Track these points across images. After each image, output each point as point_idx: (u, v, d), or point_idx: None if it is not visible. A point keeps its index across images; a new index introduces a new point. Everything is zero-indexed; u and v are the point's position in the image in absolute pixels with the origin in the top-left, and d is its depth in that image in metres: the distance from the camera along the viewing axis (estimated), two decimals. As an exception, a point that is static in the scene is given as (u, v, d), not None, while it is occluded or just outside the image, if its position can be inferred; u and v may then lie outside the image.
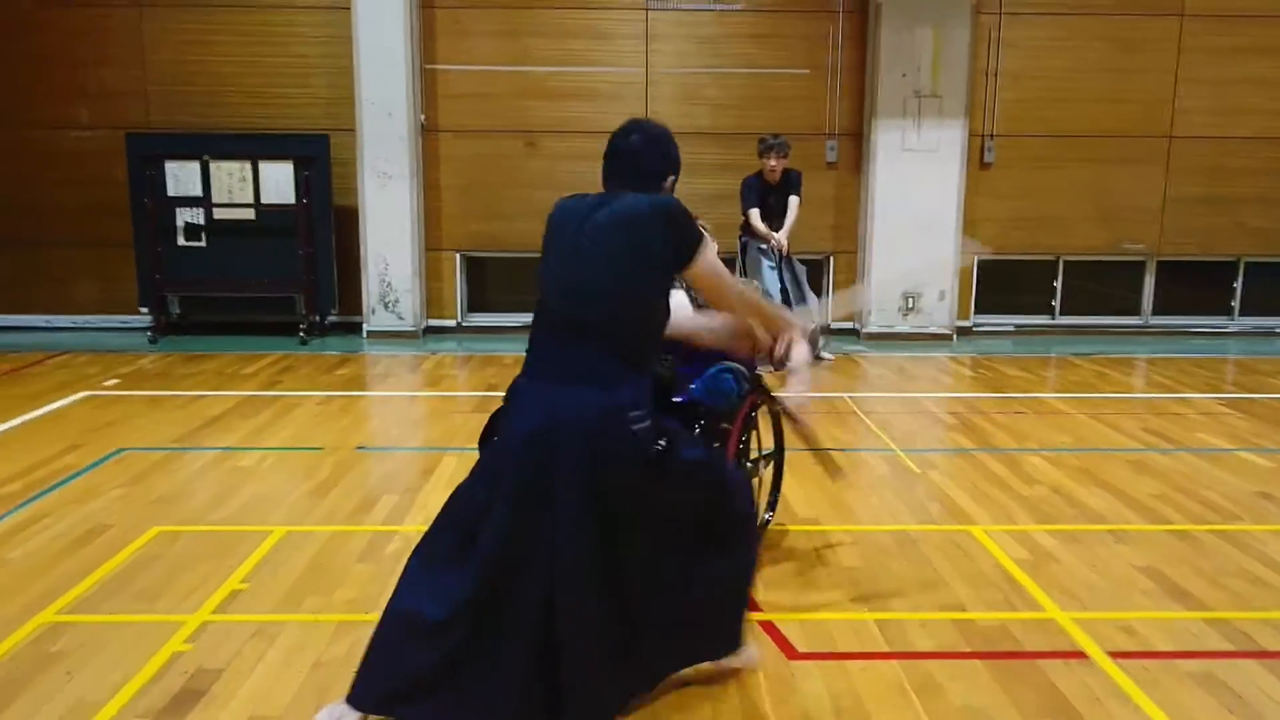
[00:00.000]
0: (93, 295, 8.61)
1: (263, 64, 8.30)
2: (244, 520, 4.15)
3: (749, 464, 3.72)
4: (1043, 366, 7.61)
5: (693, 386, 3.33)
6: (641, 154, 2.60)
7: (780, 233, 7.11)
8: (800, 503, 4.41)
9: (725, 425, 3.42)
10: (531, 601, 2.32)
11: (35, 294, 8.61)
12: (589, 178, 8.59)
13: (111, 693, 2.78)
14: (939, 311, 8.45)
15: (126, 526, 4.04)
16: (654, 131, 2.66)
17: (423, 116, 8.30)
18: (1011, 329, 8.85)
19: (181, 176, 8.12)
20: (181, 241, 8.20)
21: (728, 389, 3.37)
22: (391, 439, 5.76)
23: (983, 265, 8.73)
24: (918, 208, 8.18)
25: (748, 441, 3.72)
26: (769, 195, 7.04)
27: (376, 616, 2.54)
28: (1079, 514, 4.32)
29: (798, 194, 7.10)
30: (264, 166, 8.11)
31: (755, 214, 7.16)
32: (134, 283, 8.34)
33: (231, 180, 8.13)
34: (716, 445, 3.47)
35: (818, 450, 3.78)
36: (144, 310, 8.39)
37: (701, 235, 2.51)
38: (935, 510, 4.35)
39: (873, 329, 8.45)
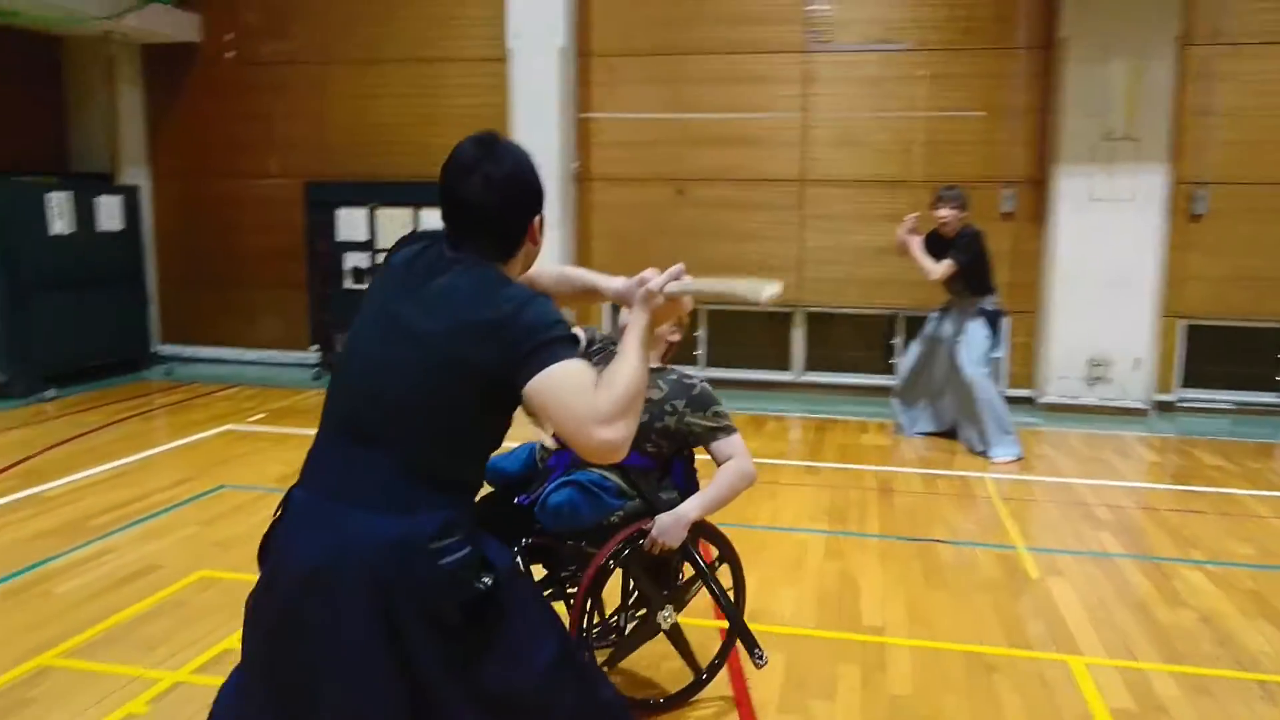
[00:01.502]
0: (275, 332, 9.15)
1: (428, 115, 8.56)
2: (283, 572, 4.09)
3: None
4: (1256, 456, 6.40)
5: (547, 491, 2.60)
6: (488, 209, 1.89)
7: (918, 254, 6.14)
8: (872, 603, 3.82)
9: (588, 547, 2.63)
10: None
11: (228, 328, 9.27)
12: (739, 226, 8.22)
13: (47, 753, 2.72)
14: (1133, 383, 7.37)
15: (176, 568, 4.09)
16: (502, 170, 1.89)
17: (575, 165, 8.26)
18: (1230, 406, 7.58)
19: (350, 223, 8.51)
20: (348, 284, 8.58)
21: (561, 507, 2.53)
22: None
23: (1193, 330, 7.56)
24: (1107, 263, 7.20)
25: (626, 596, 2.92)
26: (942, 253, 6.13)
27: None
28: (1225, 655, 3.46)
29: (955, 257, 6.05)
30: (424, 214, 8.35)
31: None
32: (307, 322, 8.83)
33: (395, 226, 8.41)
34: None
35: (738, 629, 2.92)
36: (314, 348, 8.83)
37: (545, 348, 1.75)
38: (1035, 631, 3.63)
39: (1051, 399, 7.50)
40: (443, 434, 1.80)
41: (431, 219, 8.28)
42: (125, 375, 8.52)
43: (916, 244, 6.23)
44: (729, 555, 2.92)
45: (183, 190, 9.21)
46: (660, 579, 2.80)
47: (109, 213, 8.43)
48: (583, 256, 8.43)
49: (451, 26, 8.46)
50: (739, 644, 2.95)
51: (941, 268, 6.10)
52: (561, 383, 1.73)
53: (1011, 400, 7.35)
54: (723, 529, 4.57)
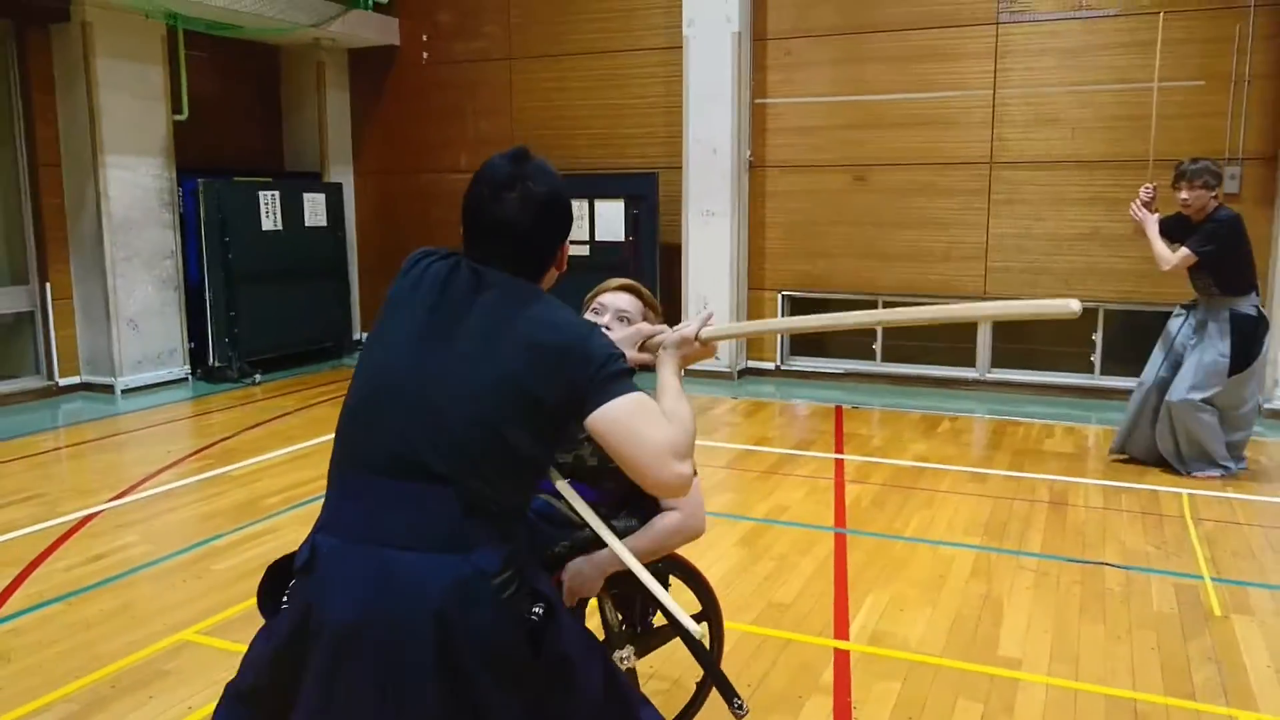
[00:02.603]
0: (462, 321, 9.54)
1: (606, 106, 8.64)
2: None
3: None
4: None
5: None
6: (525, 227, 1.80)
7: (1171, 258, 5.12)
8: (1014, 632, 3.47)
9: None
10: None
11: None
12: (922, 213, 7.79)
13: (165, 724, 2.92)
14: (1384, 388, 6.37)
15: (322, 551, 4.30)
16: (541, 188, 1.81)
17: (749, 153, 8.07)
18: None
19: (529, 215, 8.71)
20: (528, 275, 8.80)
21: None
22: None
23: None
24: (1354, 251, 6.26)
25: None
26: (1187, 239, 5.15)
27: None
28: None
29: (1196, 246, 5.05)
30: (599, 205, 8.43)
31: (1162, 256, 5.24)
32: (490, 312, 9.14)
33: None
34: None
35: (713, 676, 2.50)
36: (496, 337, 9.13)
37: (615, 379, 1.72)
38: (1204, 677, 3.17)
39: (1278, 404, 6.61)
40: (498, 465, 1.70)
41: (608, 210, 8.36)
42: (326, 362, 9.14)
43: (1153, 224, 5.25)
44: (705, 600, 2.62)
45: (381, 186, 9.78)
46: (624, 616, 2.51)
47: (314, 209, 9.05)
48: (755, 247, 8.25)
49: (630, 17, 8.48)
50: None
51: (1176, 257, 5.11)
52: (636, 414, 1.70)
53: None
54: (865, 539, 4.36)
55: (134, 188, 7.71)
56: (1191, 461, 5.30)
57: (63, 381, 7.70)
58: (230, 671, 3.19)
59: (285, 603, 1.75)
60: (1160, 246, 5.23)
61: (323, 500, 1.78)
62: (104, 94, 7.46)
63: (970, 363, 7.72)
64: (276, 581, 1.79)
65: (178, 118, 8.06)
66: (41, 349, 7.65)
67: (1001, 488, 5.20)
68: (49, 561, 4.20)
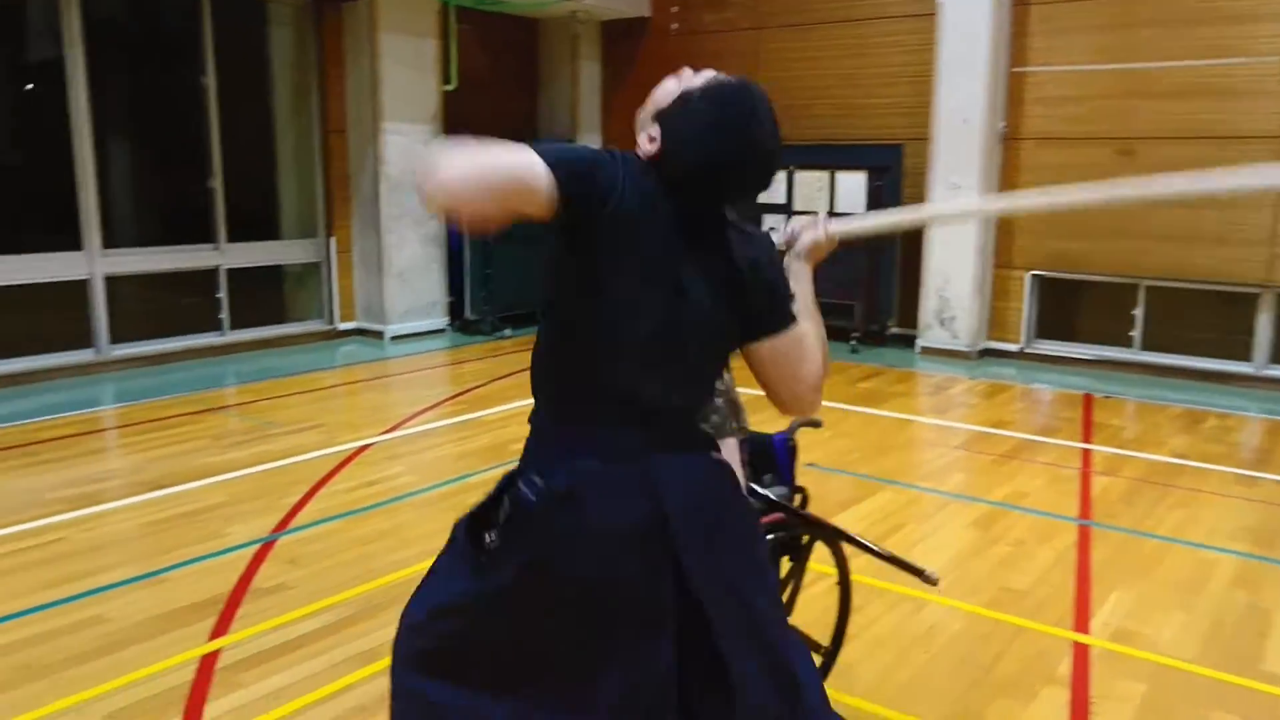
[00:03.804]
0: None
1: (853, 75, 8.48)
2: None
3: None
4: None
5: None
6: (778, 159, 1.77)
7: None
8: (1169, 631, 3.21)
9: None
10: None
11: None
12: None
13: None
14: None
15: (563, 497, 4.59)
16: (774, 115, 1.74)
17: (1003, 124, 7.69)
18: None
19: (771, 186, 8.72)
20: (764, 245, 8.84)
21: None
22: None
23: None
24: None
25: None
26: None
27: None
28: None
29: None
30: (840, 176, 8.31)
31: None
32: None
33: (810, 189, 8.50)
34: None
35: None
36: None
37: (789, 303, 1.80)
38: None
39: None
40: (711, 387, 1.86)
41: (849, 182, 8.24)
42: (568, 321, 9.58)
43: None
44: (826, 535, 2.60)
45: (626, 154, 10.07)
46: None
47: (563, 175, 9.47)
48: (1005, 223, 7.88)
49: (883, -17, 8.27)
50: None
51: None
52: (804, 339, 1.78)
53: None
54: (1112, 533, 4.14)
55: (407, 152, 8.38)
56: None
57: (341, 326, 8.54)
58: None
59: (492, 540, 1.77)
60: None
61: (556, 434, 1.76)
62: (385, 65, 8.13)
63: (1245, 356, 7.05)
64: (483, 519, 1.83)
65: (447, 87, 8.66)
66: (325, 296, 8.52)
67: (1276, 493, 4.76)
68: (331, 483, 4.73)
